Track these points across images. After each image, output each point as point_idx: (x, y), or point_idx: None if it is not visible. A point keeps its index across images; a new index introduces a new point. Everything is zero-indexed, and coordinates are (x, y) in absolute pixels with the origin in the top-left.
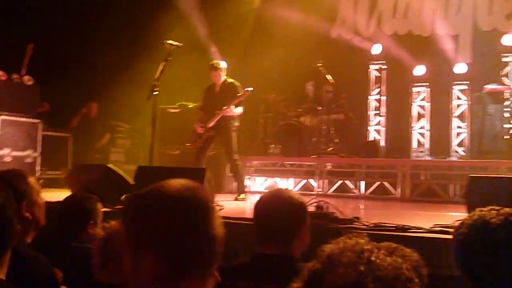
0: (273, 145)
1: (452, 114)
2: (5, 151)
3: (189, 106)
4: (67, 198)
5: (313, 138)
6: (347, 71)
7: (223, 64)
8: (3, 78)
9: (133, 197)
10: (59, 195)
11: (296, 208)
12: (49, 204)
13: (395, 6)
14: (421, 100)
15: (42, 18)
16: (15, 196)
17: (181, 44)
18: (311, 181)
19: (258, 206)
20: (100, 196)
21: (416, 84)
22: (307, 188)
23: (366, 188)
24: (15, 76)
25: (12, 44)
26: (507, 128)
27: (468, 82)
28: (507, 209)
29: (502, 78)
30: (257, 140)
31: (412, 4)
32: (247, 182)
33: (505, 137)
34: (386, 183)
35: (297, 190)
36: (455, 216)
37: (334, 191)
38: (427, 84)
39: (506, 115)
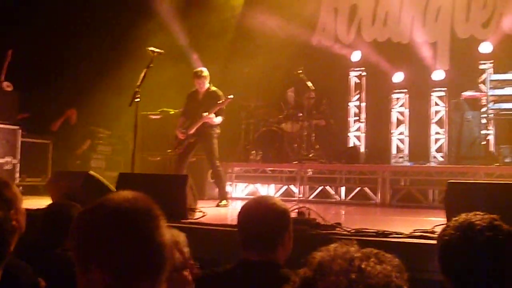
0: (254, 152)
1: (430, 120)
2: None
3: (170, 113)
4: (50, 205)
5: (294, 144)
6: (327, 78)
7: (207, 72)
8: None
9: (79, 213)
10: (39, 202)
11: (280, 215)
12: (29, 211)
13: (374, 14)
14: (400, 106)
15: (22, 24)
16: (4, 204)
17: (163, 51)
18: (292, 187)
19: (242, 213)
20: (82, 203)
21: (395, 91)
22: (288, 194)
23: (347, 193)
24: None
25: None
26: (484, 134)
27: (446, 89)
28: (491, 215)
29: (480, 85)
30: (239, 146)
31: (391, 12)
32: (228, 188)
33: (482, 143)
34: (366, 189)
35: (278, 196)
36: (435, 221)
37: (315, 197)
38: (406, 90)
39: (484, 121)
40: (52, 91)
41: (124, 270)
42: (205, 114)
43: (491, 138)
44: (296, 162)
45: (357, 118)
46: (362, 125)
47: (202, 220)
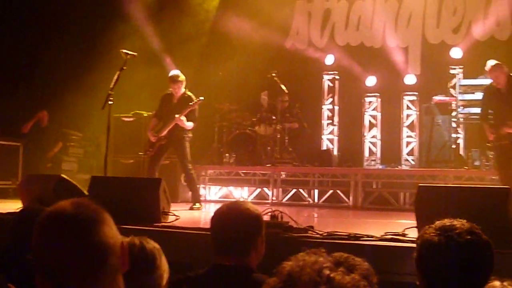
0: (227, 154)
1: (402, 124)
2: None
3: (143, 115)
4: (22, 210)
5: (267, 147)
6: (301, 81)
7: (183, 77)
8: None
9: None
10: (10, 206)
11: (253, 220)
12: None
13: (347, 19)
14: (373, 110)
15: None
16: None
17: (136, 53)
18: (266, 189)
19: (215, 218)
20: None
21: (368, 94)
22: (261, 196)
23: (320, 196)
24: None
25: None
26: (454, 138)
27: (417, 93)
28: (471, 223)
29: (450, 89)
30: (212, 149)
31: (364, 16)
32: (202, 191)
33: (452, 146)
34: (339, 192)
35: (252, 199)
36: (405, 223)
37: (288, 199)
38: (378, 94)
39: (453, 125)
40: (23, 92)
41: (59, 276)
42: (177, 115)
43: (460, 142)
44: (270, 165)
45: (330, 121)
46: (335, 128)
47: (176, 223)
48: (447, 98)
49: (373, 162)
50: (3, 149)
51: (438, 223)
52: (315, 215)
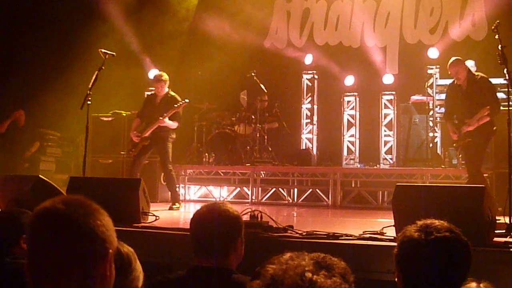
0: (207, 154)
1: (380, 123)
2: None
3: (122, 115)
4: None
5: (247, 147)
6: (280, 81)
7: (166, 76)
8: None
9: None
10: None
11: (232, 222)
12: None
13: (326, 18)
14: (351, 109)
15: None
16: None
17: (115, 53)
18: (245, 189)
19: (195, 219)
20: (31, 209)
21: (346, 94)
22: (241, 196)
23: (299, 195)
24: None
25: None
26: (431, 137)
27: (394, 93)
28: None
29: (427, 89)
30: (191, 148)
31: (342, 16)
32: (181, 190)
33: (430, 145)
34: (318, 191)
35: (231, 198)
36: (383, 222)
37: (268, 198)
38: (357, 94)
39: (431, 124)
40: None
41: (58, 275)
42: (161, 118)
43: (437, 141)
44: (249, 164)
45: (309, 120)
46: (314, 128)
47: (155, 223)
48: (424, 98)
49: (351, 161)
50: None
51: (419, 222)
52: (295, 214)
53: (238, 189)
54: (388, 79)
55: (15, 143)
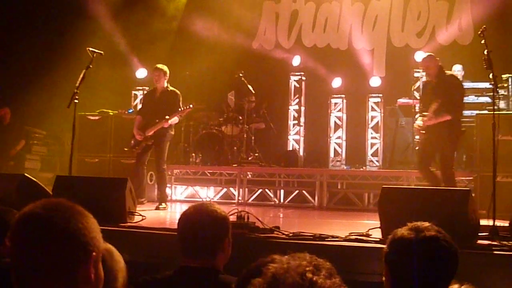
0: (194, 154)
1: (367, 126)
2: None
3: (109, 113)
4: None
5: (234, 147)
6: (268, 82)
7: (165, 68)
8: None
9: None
10: None
11: (220, 222)
12: None
13: (314, 20)
14: (338, 111)
15: None
16: None
17: (103, 52)
18: (232, 189)
19: (182, 220)
20: (17, 207)
21: (334, 96)
22: (227, 196)
23: (285, 196)
24: None
25: None
26: (417, 140)
27: (381, 95)
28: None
29: (414, 92)
30: (178, 148)
31: (330, 18)
32: (167, 190)
33: (416, 148)
34: (304, 192)
35: (218, 199)
36: (369, 224)
37: (254, 199)
38: (344, 96)
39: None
40: None
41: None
42: (167, 117)
43: None
44: (236, 165)
45: (297, 122)
46: (301, 129)
47: (142, 223)
48: (410, 101)
49: (338, 163)
50: None
51: (410, 224)
52: (281, 215)
53: (225, 189)
54: (375, 81)
55: (0, 141)
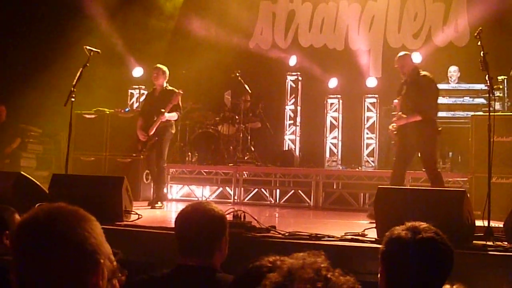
0: (190, 153)
1: (363, 126)
2: None
3: (105, 112)
4: None
5: (230, 147)
6: (264, 81)
7: (164, 68)
8: None
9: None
10: None
11: (217, 221)
12: None
13: (311, 21)
14: (334, 111)
15: None
16: None
17: (100, 50)
18: (228, 189)
19: (180, 219)
20: (13, 205)
21: (330, 96)
22: (223, 196)
23: (281, 196)
24: None
25: None
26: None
27: (377, 96)
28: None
29: None
30: (174, 147)
31: (327, 19)
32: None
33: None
34: (300, 192)
35: (213, 198)
36: (365, 224)
37: (250, 199)
38: (340, 96)
39: None
40: None
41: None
42: (162, 110)
43: None
44: (232, 164)
45: (292, 121)
46: (297, 129)
47: (138, 222)
48: None
49: (334, 163)
50: None
51: (408, 223)
52: (277, 215)
53: (221, 189)
54: (371, 82)
55: None
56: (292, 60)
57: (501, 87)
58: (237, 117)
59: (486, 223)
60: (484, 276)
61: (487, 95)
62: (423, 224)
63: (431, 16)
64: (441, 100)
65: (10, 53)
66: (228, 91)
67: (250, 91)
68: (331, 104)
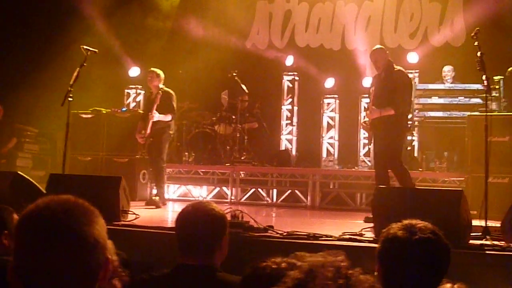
0: (187, 153)
1: (359, 126)
2: None
3: (102, 112)
4: None
5: (227, 147)
6: (261, 81)
7: (158, 71)
8: None
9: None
10: None
11: (218, 221)
12: None
13: (308, 21)
14: (331, 111)
15: None
16: None
17: (97, 50)
18: (224, 189)
19: (180, 218)
20: (10, 205)
21: (326, 96)
22: (220, 196)
23: (278, 196)
24: None
25: None
26: (409, 140)
27: None
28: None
29: None
30: (171, 147)
31: (324, 19)
32: None
33: (408, 148)
34: (297, 191)
35: (211, 198)
36: (362, 224)
37: (247, 199)
38: (337, 96)
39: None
40: None
41: (61, 277)
42: (150, 113)
43: (415, 144)
44: (229, 164)
45: (289, 121)
46: (294, 129)
47: (135, 222)
48: None
49: (330, 163)
50: None
51: (404, 221)
52: (274, 214)
53: (218, 188)
54: (368, 82)
55: None
56: (289, 60)
57: (497, 87)
58: (234, 117)
59: (483, 223)
60: (481, 276)
61: (483, 95)
62: (420, 223)
63: (427, 16)
64: (436, 100)
65: (7, 53)
66: (225, 91)
67: (247, 91)
68: (328, 104)
